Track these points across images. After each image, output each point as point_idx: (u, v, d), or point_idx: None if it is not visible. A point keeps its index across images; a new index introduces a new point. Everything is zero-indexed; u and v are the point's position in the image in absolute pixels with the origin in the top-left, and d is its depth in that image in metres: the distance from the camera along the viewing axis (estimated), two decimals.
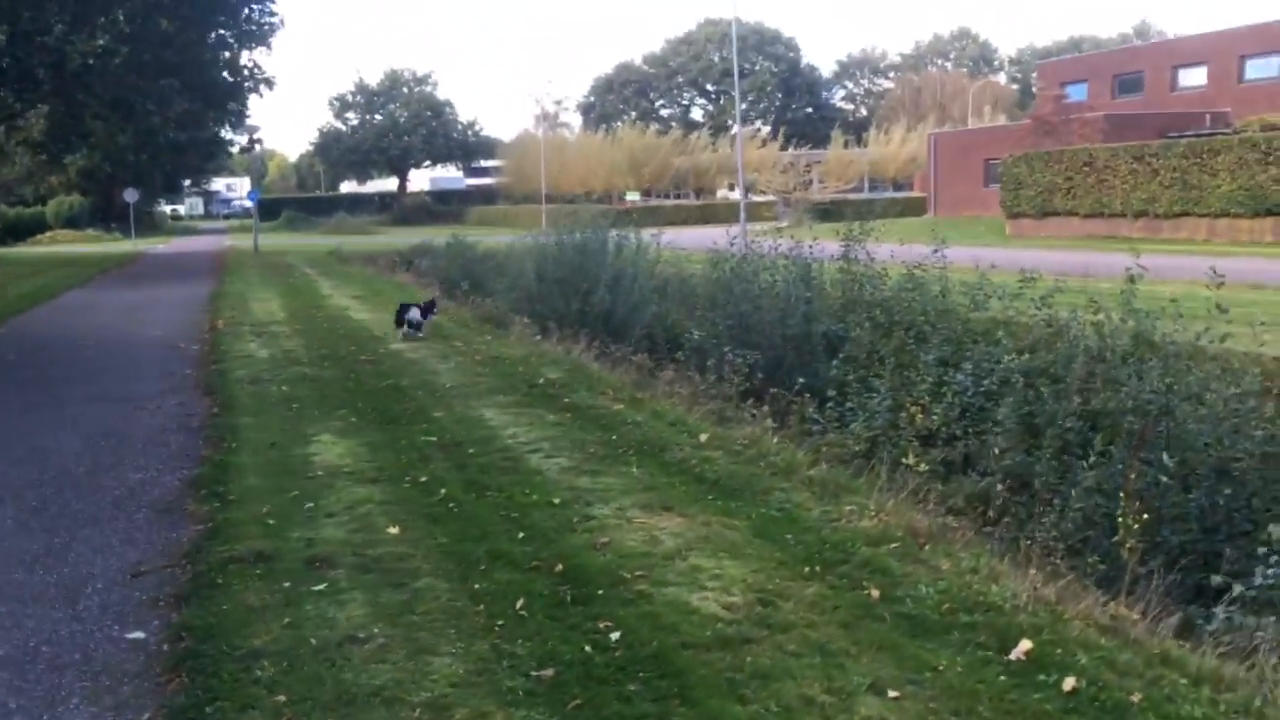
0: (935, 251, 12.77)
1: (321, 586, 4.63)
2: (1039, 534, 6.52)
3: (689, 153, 72.76)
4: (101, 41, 21.97)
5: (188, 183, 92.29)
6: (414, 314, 13.37)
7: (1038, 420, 9.42)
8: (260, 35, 28.48)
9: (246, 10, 27.55)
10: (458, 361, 11.47)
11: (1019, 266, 19.93)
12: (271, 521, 5.57)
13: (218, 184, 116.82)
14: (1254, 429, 7.44)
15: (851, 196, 63.66)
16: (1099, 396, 8.93)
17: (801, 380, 9.58)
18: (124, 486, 6.47)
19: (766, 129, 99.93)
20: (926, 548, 5.27)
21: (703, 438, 7.70)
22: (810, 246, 13.23)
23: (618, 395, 9.49)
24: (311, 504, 5.92)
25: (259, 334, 13.83)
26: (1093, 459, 7.59)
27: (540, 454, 7.21)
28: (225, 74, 28.75)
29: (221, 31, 27.46)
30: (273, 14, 28.48)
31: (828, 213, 54.11)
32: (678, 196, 76.45)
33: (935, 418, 8.89)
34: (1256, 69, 40.05)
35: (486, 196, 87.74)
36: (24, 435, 7.97)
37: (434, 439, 7.65)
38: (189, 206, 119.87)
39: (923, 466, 7.34)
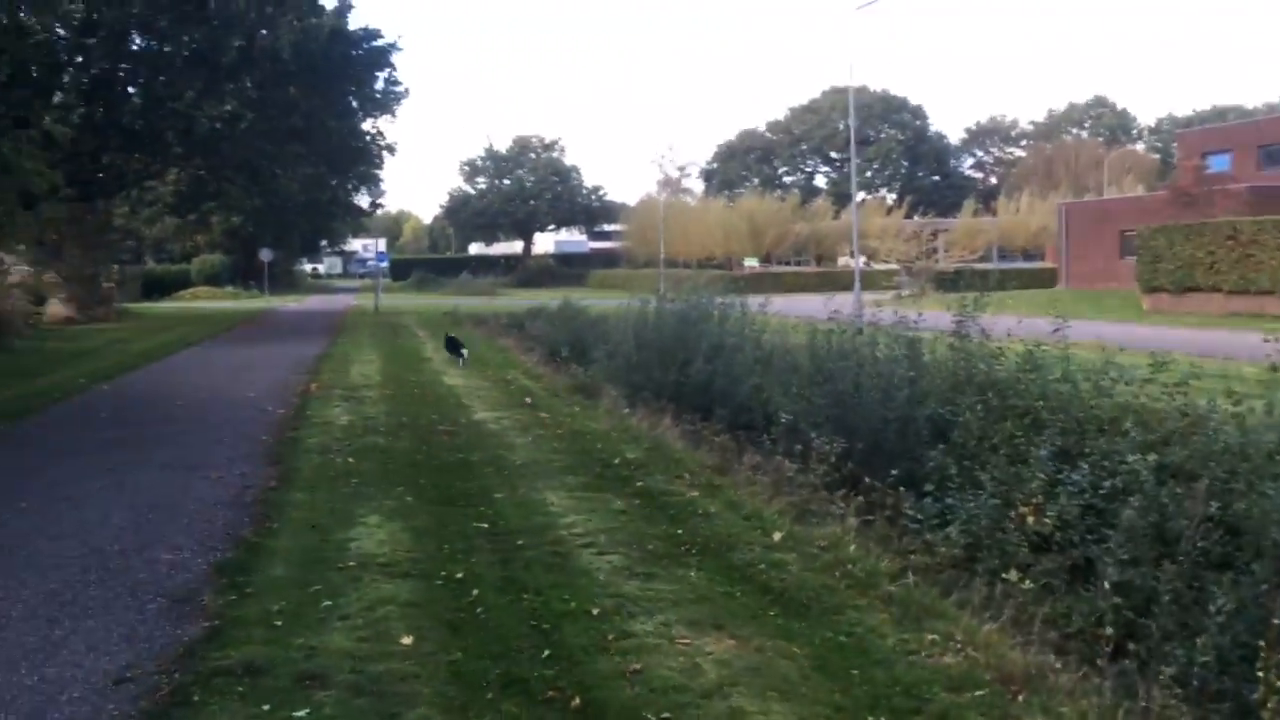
0: (1055, 330, 11.80)
1: (302, 713, 4.10)
2: (1164, 672, 5.58)
3: (809, 219, 72.01)
4: (229, 107, 22.76)
5: (324, 243, 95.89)
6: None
7: (1169, 527, 8.40)
8: (384, 104, 29.28)
9: (373, 80, 28.35)
10: (537, 435, 11.00)
11: (1154, 346, 18.54)
12: (279, 623, 5.09)
13: (355, 244, 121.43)
14: None
15: (977, 266, 61.80)
16: (1241, 502, 7.86)
17: (894, 472, 8.72)
18: (149, 570, 6.11)
19: (892, 196, 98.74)
20: (1020, 698, 4.43)
21: (776, 536, 6.98)
22: (916, 320, 12.38)
23: (695, 480, 8.84)
24: (330, 602, 5.43)
25: (348, 398, 13.68)
26: (1230, 580, 6.60)
27: (594, 549, 6.59)
28: (350, 140, 29.57)
29: (349, 100, 28.30)
30: (397, 83, 29.32)
31: (952, 282, 52.52)
32: (798, 263, 75.66)
33: (1048, 520, 7.95)
34: None
35: (609, 260, 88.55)
36: (77, 505, 7.77)
37: (486, 525, 7.13)
38: (328, 265, 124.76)
39: (1026, 584, 6.44)
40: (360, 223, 52.46)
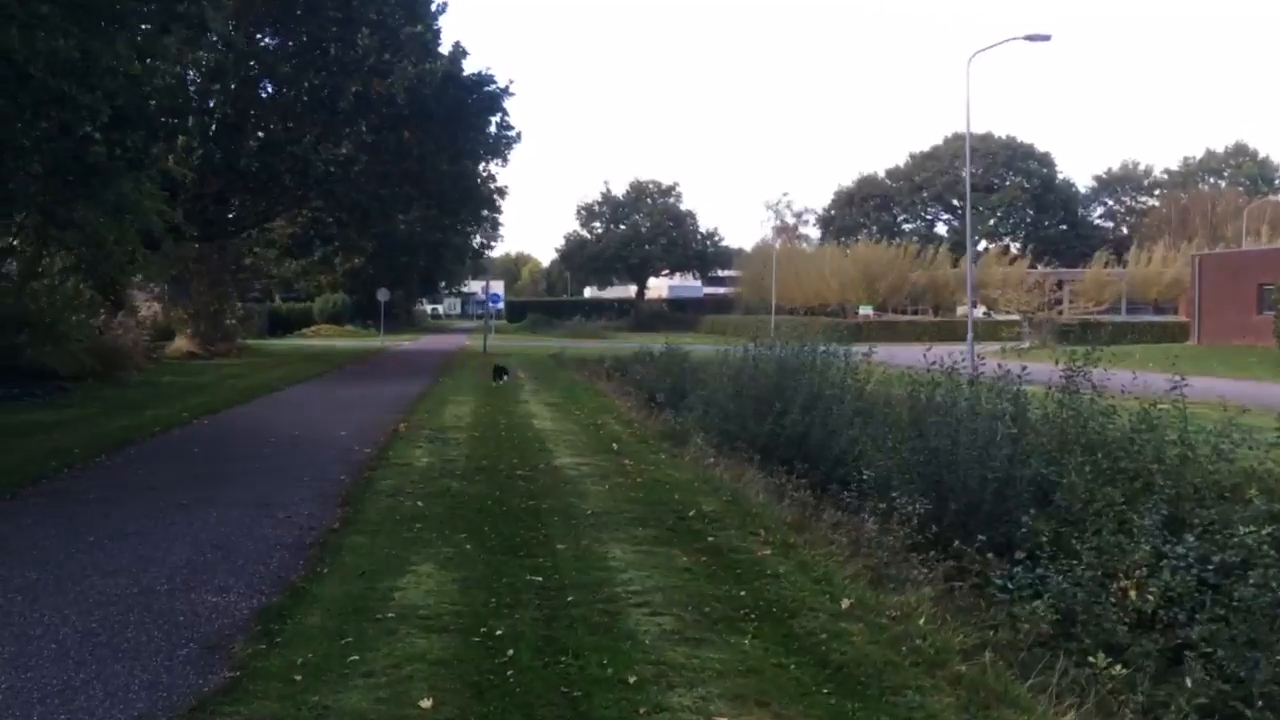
0: (1173, 389, 10.96)
1: None
2: None
3: (926, 267, 70.46)
4: (344, 150, 23.41)
5: (443, 284, 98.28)
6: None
7: None
8: (496, 148, 29.78)
9: (485, 125, 28.89)
10: (615, 483, 10.71)
11: None
12: (299, 677, 4.89)
13: (474, 286, 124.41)
14: None
15: (1105, 318, 59.36)
16: None
17: (982, 536, 8.12)
18: (192, 612, 6.02)
19: (1016, 246, 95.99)
20: None
21: (845, 604, 6.50)
22: (1021, 372, 11.70)
23: (769, 537, 8.40)
24: (357, 656, 5.21)
25: (434, 439, 13.66)
26: None
27: (647, 609, 6.24)
28: (461, 183, 30.14)
29: (462, 144, 28.86)
30: (509, 128, 29.82)
31: (1075, 335, 50.49)
32: (915, 312, 74.05)
33: (1151, 596, 7.27)
34: None
35: (721, 305, 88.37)
36: (141, 539, 7.80)
37: (540, 579, 6.85)
38: (447, 306, 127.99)
39: (1118, 669, 5.82)
40: (479, 264, 53.42)
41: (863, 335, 53.92)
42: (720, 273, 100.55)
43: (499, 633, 5.67)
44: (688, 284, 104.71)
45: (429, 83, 25.15)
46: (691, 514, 9.23)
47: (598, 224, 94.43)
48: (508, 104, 28.78)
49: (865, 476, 10.04)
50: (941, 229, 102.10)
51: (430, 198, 29.20)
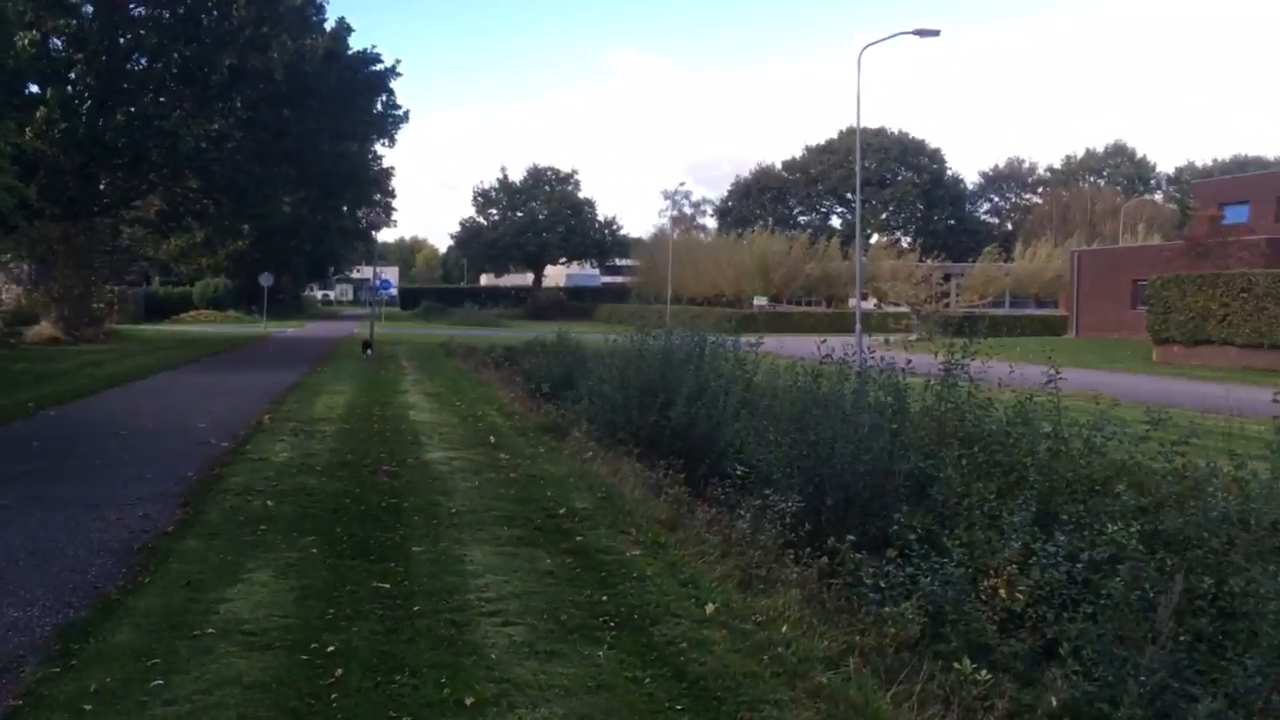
0: (1048, 382, 10.99)
1: None
2: None
3: (819, 259, 71.37)
4: (216, 126, 22.28)
5: (333, 270, 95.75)
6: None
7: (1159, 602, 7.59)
8: (382, 129, 28.80)
9: (370, 105, 27.90)
10: (485, 479, 10.26)
11: (1159, 399, 17.69)
12: (89, 707, 4.35)
13: (368, 272, 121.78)
14: None
15: (990, 312, 60.98)
16: (1240, 577, 7.08)
17: (852, 537, 7.90)
18: None
19: (907, 240, 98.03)
20: None
21: (709, 609, 6.20)
22: (903, 367, 11.61)
23: (640, 536, 8.08)
24: (161, 680, 4.68)
25: (299, 432, 12.98)
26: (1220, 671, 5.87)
27: (499, 619, 5.84)
28: (343, 164, 29.06)
29: (345, 124, 27.81)
30: (396, 108, 28.86)
31: (961, 328, 51.67)
32: (809, 303, 74.95)
33: (1020, 595, 7.15)
34: None
35: (620, 294, 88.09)
36: None
37: (388, 586, 6.38)
38: (339, 292, 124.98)
39: (983, 675, 5.64)
40: (373, 250, 51.90)
41: (757, 326, 54.29)
42: (619, 262, 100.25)
43: (330, 649, 5.19)
44: (586, 273, 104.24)
45: (310, 59, 24.11)
46: (562, 512, 8.85)
47: (495, 211, 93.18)
48: (395, 84, 27.95)
49: (739, 472, 9.75)
50: (836, 221, 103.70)
51: (311, 179, 28.08)
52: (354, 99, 26.89)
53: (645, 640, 5.63)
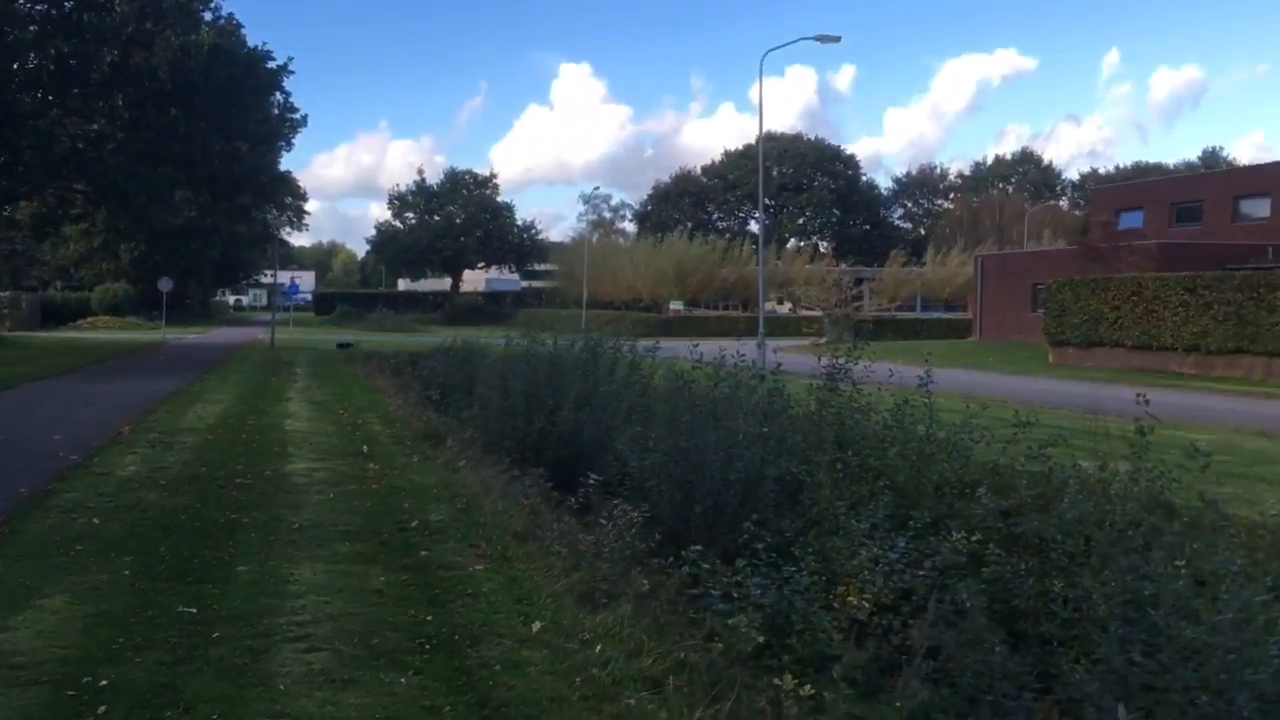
0: (920, 385, 10.95)
1: None
2: None
3: (735, 264, 71.76)
4: (95, 126, 21.38)
5: (244, 275, 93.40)
6: None
7: (1017, 605, 7.53)
8: (279, 131, 27.99)
9: (262, 105, 27.07)
10: (343, 491, 9.85)
11: (1046, 400, 17.88)
12: None
13: (283, 276, 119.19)
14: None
15: (901, 315, 61.95)
16: (1096, 578, 7.00)
17: (699, 546, 7.68)
18: None
19: (825, 244, 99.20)
20: None
21: (535, 627, 5.93)
22: (774, 372, 11.51)
23: (490, 549, 7.77)
24: None
25: (157, 444, 12.39)
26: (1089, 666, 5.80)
27: (304, 644, 5.48)
28: (239, 167, 28.16)
29: (237, 124, 26.94)
30: (294, 110, 28.10)
31: (872, 331, 52.38)
32: (726, 307, 75.28)
33: (866, 602, 7.02)
34: None
35: (539, 299, 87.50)
36: None
37: (194, 610, 5.98)
38: (252, 298, 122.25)
39: (806, 690, 5.45)
40: (275, 254, 50.61)
41: (673, 330, 54.34)
42: (538, 266, 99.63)
43: (103, 683, 4.79)
44: (505, 277, 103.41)
45: (195, 55, 23.25)
46: (414, 525, 8.50)
47: (411, 214, 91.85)
48: (290, 84, 27.20)
49: (591, 480, 9.50)
50: (754, 226, 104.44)
51: (201, 181, 27.12)
52: (244, 98, 26.05)
53: (458, 663, 5.33)
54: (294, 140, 29.06)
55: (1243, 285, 25.54)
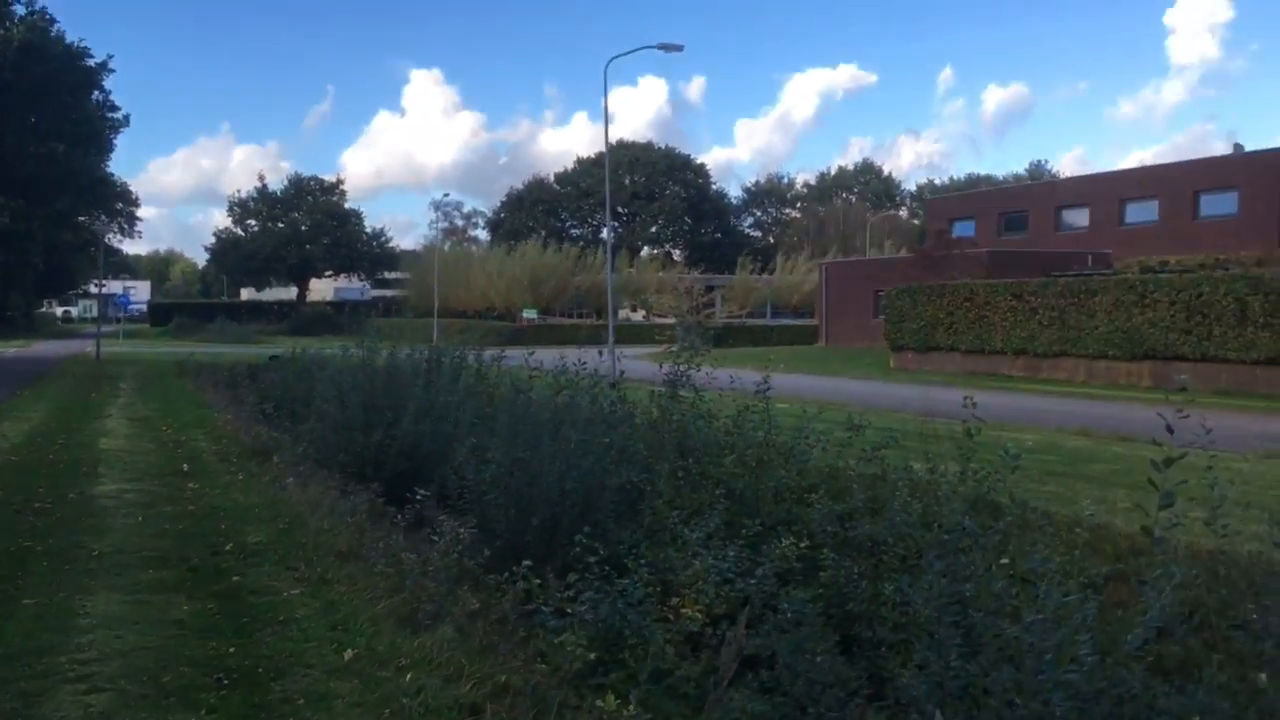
0: (758, 390, 11.00)
1: None
2: None
3: (589, 272, 71.79)
4: None
5: (75, 285, 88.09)
6: None
7: (851, 609, 7.57)
8: (99, 132, 26.35)
9: (79, 104, 25.42)
10: (154, 514, 9.21)
11: (884, 404, 18.34)
12: None
13: (114, 286, 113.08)
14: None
15: (751, 322, 63.11)
16: (917, 581, 7.06)
17: (528, 562, 7.43)
18: None
19: (678, 252, 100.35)
20: None
21: (348, 654, 5.59)
22: (613, 383, 11.38)
23: (308, 572, 7.35)
24: None
25: None
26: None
27: (85, 684, 5.01)
28: (55, 170, 26.33)
29: (51, 124, 25.21)
30: (114, 109, 26.49)
31: (721, 337, 53.17)
32: (580, 315, 75.20)
33: (699, 614, 6.93)
34: (1136, 212, 40.49)
35: (390, 308, 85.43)
36: None
37: None
38: (82, 309, 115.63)
39: (630, 711, 5.29)
40: (100, 262, 47.72)
41: (526, 338, 53.88)
42: (389, 275, 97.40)
43: None
44: (354, 286, 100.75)
45: (4, 51, 21.61)
46: (229, 548, 7.99)
47: (253, 222, 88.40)
48: (118, 83, 25.66)
49: (420, 495, 9.16)
50: (607, 234, 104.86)
51: (13, 184, 25.27)
52: (60, 97, 24.40)
53: (258, 699, 4.95)
54: (115, 141, 27.44)
55: (1065, 291, 26.91)
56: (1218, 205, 37.92)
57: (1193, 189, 38.69)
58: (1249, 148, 43.01)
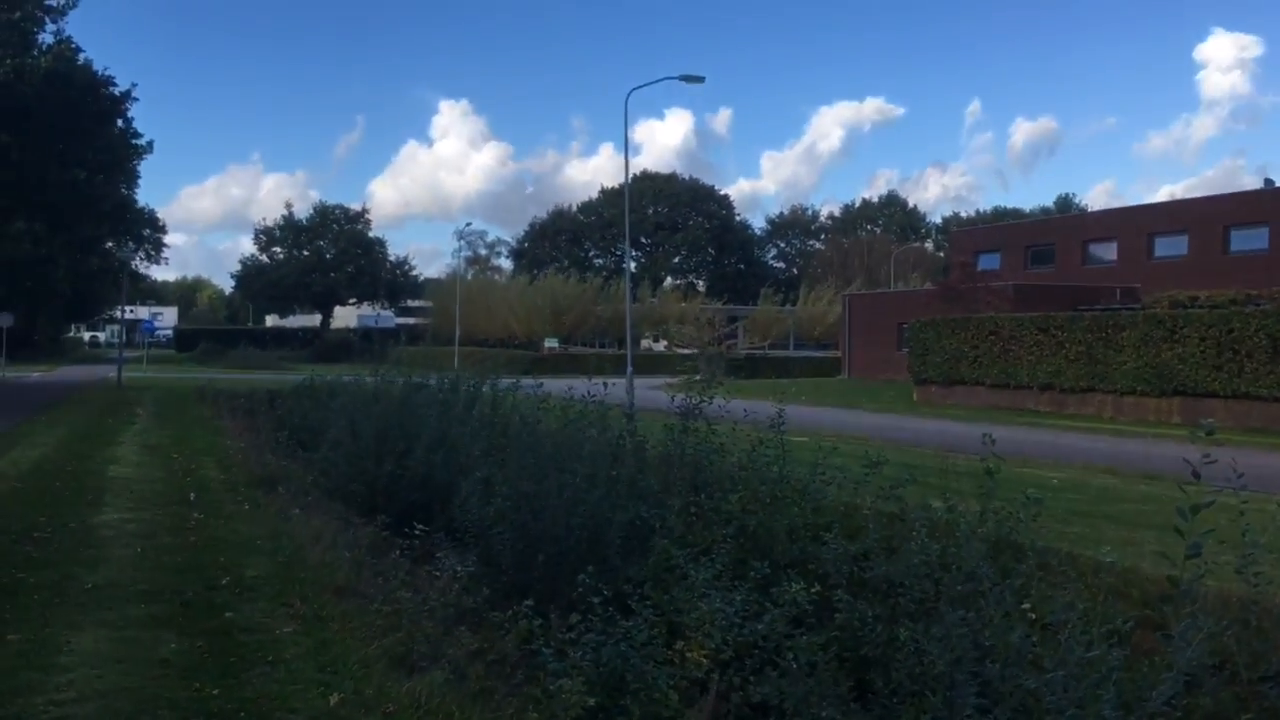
0: (771, 425, 10.73)
1: None
2: None
3: (610, 301, 71.76)
4: None
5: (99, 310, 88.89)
6: None
7: (866, 653, 7.27)
8: (120, 157, 26.55)
9: (104, 132, 25.64)
10: (154, 545, 9.05)
11: (903, 438, 17.96)
12: None
13: (141, 312, 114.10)
14: None
15: (773, 353, 62.76)
16: (931, 628, 6.77)
17: (529, 602, 7.18)
18: None
19: (701, 283, 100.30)
20: None
21: (334, 699, 5.36)
22: (630, 412, 11.15)
23: (304, 608, 7.14)
24: None
25: None
26: None
27: None
28: (80, 196, 26.56)
29: (79, 151, 25.45)
30: (138, 136, 26.73)
31: (744, 369, 52.85)
32: (602, 345, 75.12)
33: (704, 657, 6.66)
34: (1165, 247, 40.01)
35: (414, 336, 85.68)
36: None
37: None
38: (110, 334, 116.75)
39: None
40: (124, 288, 48.03)
41: (548, 367, 53.81)
42: (413, 303, 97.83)
43: None
44: (379, 314, 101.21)
45: (30, 79, 21.86)
46: (225, 582, 7.79)
47: (279, 249, 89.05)
48: (153, 111, 25.95)
49: (419, 530, 8.95)
50: (632, 265, 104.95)
51: (37, 209, 25.48)
52: (84, 125, 24.61)
53: None
54: (138, 168, 27.55)
55: (1092, 325, 26.50)
56: (1249, 240, 37.40)
57: (1223, 224, 38.20)
58: None
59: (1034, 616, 6.59)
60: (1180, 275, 36.66)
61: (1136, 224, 41.52)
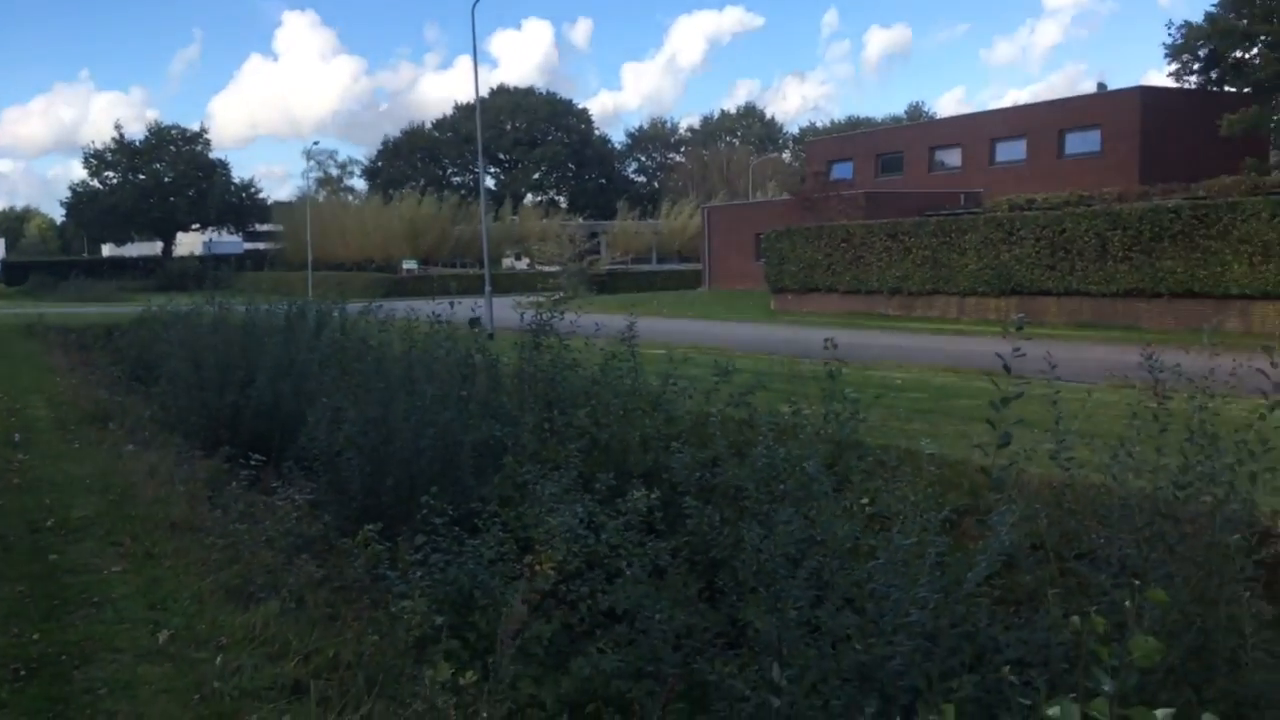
0: (624, 338, 10.77)
1: None
2: None
3: (469, 221, 70.45)
4: None
5: None
6: None
7: (715, 556, 7.45)
8: None
9: None
10: None
11: (758, 346, 18.28)
12: None
13: None
14: None
15: (636, 268, 62.93)
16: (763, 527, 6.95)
17: (371, 526, 7.05)
18: None
19: (562, 199, 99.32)
20: None
21: (163, 636, 5.18)
22: (489, 331, 11.01)
23: (134, 546, 6.86)
24: None
25: None
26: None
27: None
28: None
29: None
30: None
31: (607, 284, 52.95)
32: (462, 265, 73.85)
33: (551, 571, 6.70)
34: (1005, 152, 41.44)
35: (263, 262, 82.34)
36: None
37: None
38: None
39: (469, 677, 5.02)
40: None
41: (407, 290, 52.68)
42: (262, 227, 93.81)
43: None
44: (225, 239, 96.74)
45: None
46: (50, 523, 7.43)
47: (112, 174, 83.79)
48: None
49: (255, 459, 8.71)
50: (490, 183, 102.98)
51: None
52: None
53: (57, 691, 4.55)
54: None
55: (937, 230, 27.38)
56: (1081, 144, 39.05)
57: (1058, 128, 39.74)
58: (1114, 87, 44.42)
59: (871, 511, 6.85)
60: (1020, 179, 38.12)
61: (979, 130, 42.82)
